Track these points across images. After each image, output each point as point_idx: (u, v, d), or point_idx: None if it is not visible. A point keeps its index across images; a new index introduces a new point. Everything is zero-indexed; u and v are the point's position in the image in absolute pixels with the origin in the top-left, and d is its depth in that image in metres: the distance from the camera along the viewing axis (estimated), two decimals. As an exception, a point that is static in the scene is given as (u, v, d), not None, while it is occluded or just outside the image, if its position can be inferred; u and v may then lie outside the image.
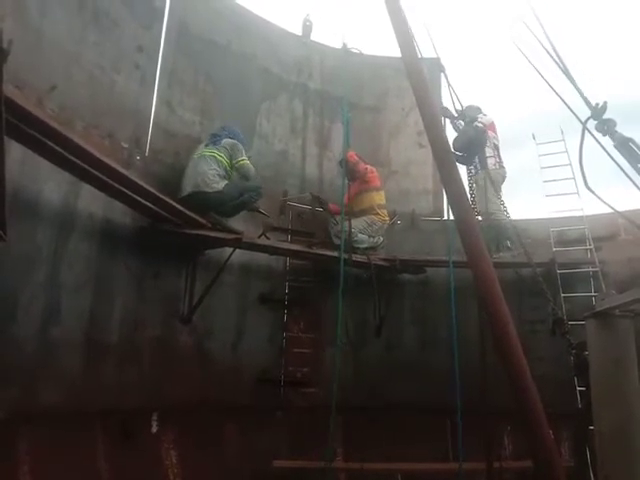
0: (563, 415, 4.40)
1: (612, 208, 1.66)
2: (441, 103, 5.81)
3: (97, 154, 3.63)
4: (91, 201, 4.34)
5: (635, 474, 1.83)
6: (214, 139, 5.29)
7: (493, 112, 7.02)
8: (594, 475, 2.05)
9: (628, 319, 1.89)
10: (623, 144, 1.53)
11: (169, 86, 5.49)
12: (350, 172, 6.15)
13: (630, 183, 1.68)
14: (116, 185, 4.05)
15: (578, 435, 2.27)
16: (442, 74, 4.55)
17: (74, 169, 3.78)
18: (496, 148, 6.63)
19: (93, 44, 4.64)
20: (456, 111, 3.69)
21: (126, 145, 4.90)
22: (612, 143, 1.58)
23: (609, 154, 1.57)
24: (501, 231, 6.21)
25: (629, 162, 1.50)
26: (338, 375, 3.91)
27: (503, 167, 6.68)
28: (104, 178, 3.91)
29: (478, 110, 6.82)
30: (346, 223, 5.82)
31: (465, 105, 6.76)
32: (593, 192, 1.65)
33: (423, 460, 5.44)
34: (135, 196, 4.26)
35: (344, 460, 5.83)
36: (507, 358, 2.50)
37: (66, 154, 3.54)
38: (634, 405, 1.88)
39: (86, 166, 3.73)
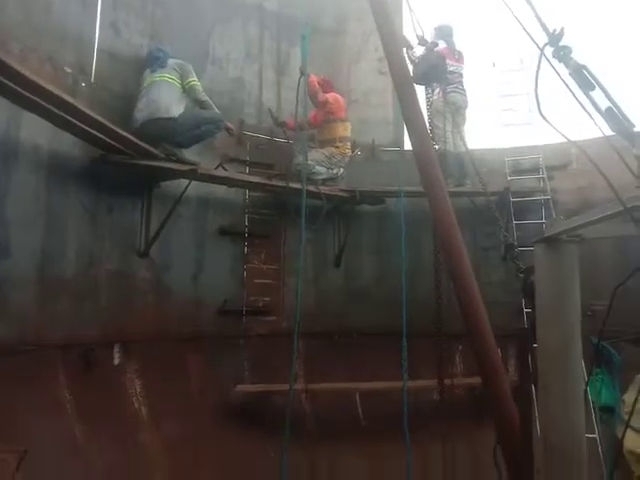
0: (511, 335, 4.70)
1: (564, 136, 1.69)
2: (402, 29, 5.65)
3: (36, 79, 3.39)
4: (36, 131, 4.13)
5: (569, 384, 1.98)
6: (158, 62, 5.00)
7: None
8: (534, 387, 2.21)
9: (574, 244, 1.97)
10: (577, 71, 1.53)
11: (114, 6, 5.10)
12: (311, 99, 5.96)
13: (582, 111, 1.71)
14: (61, 114, 3.83)
15: (522, 353, 2.42)
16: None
17: (12, 95, 3.53)
18: (454, 74, 6.51)
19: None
20: (417, 37, 3.58)
21: (70, 70, 4.60)
22: (567, 71, 1.59)
23: (563, 80, 1.58)
24: (460, 160, 6.25)
25: (581, 89, 1.52)
26: (300, 302, 3.98)
27: (461, 94, 6.60)
28: (47, 106, 3.69)
29: (449, 29, 6.66)
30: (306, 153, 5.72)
31: (438, 25, 6.66)
32: (546, 119, 1.66)
33: (381, 380, 5.74)
34: (83, 125, 4.05)
35: (305, 382, 6.08)
36: (458, 281, 2.60)
37: (2, 79, 3.29)
38: (574, 324, 2.00)
39: (26, 92, 3.49)
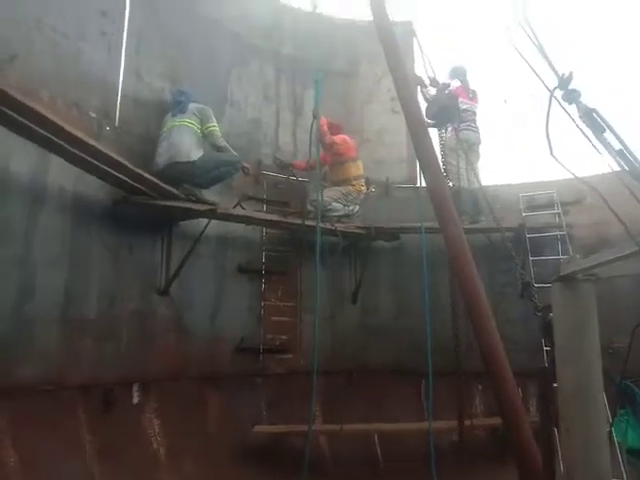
0: (531, 375, 4.61)
1: (574, 175, 1.72)
2: (414, 69, 5.80)
3: (64, 125, 3.55)
4: (61, 174, 4.27)
5: (591, 425, 1.95)
6: (180, 106, 5.15)
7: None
8: (557, 429, 2.17)
9: (590, 283, 1.97)
10: (587, 114, 1.58)
11: (137, 53, 5.33)
12: (320, 141, 6.09)
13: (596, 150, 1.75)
14: (86, 157, 3.98)
15: (543, 392, 2.39)
16: (415, 38, 4.52)
17: (41, 141, 3.70)
18: (467, 112, 6.63)
19: (54, 10, 4.46)
20: (428, 78, 3.68)
21: (95, 115, 4.79)
22: (578, 114, 1.63)
23: (576, 123, 1.63)
24: (474, 197, 6.29)
25: (592, 132, 1.56)
26: (318, 340, 3.98)
27: (474, 131, 6.71)
28: (73, 150, 3.84)
29: (463, 70, 6.83)
30: (321, 192, 5.82)
31: (452, 66, 6.84)
32: (557, 160, 1.70)
33: (400, 420, 5.64)
34: (106, 168, 4.19)
35: (323, 423, 6.00)
36: (476, 320, 2.60)
37: (32, 125, 3.45)
38: (593, 364, 1.99)
39: (54, 138, 3.65)
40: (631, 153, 1.49)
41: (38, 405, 3.84)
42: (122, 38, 5.15)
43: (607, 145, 1.56)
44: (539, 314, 2.31)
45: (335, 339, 6.29)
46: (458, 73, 6.82)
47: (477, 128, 6.77)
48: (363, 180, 6.48)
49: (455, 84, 6.70)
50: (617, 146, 1.50)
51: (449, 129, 5.99)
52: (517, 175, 6.87)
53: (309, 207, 6.16)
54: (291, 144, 6.86)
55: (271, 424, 5.60)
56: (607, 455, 2.07)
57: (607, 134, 1.54)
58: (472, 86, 6.92)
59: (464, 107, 6.65)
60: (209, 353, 5.50)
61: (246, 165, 5.54)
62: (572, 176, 1.92)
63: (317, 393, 6.02)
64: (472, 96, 6.84)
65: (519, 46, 2.34)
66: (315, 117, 4.73)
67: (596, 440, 2.03)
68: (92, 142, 3.88)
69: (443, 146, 3.87)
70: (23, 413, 3.73)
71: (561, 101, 1.72)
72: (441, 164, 3.53)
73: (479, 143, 6.80)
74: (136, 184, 4.52)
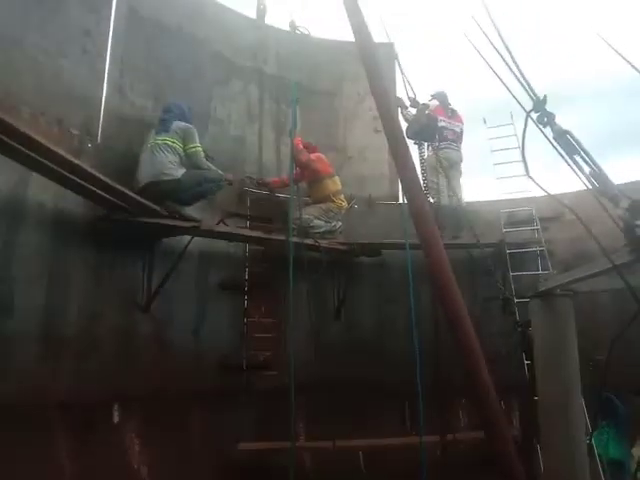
0: (514, 387, 4.66)
1: (550, 195, 1.78)
2: (395, 90, 5.92)
3: (45, 142, 3.52)
4: (42, 191, 4.24)
5: (571, 438, 1.99)
6: (163, 125, 5.14)
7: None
8: (538, 441, 2.20)
9: (568, 298, 2.02)
10: (561, 136, 1.63)
11: (120, 71, 5.35)
12: (295, 159, 6.08)
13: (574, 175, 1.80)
14: (67, 174, 3.95)
15: (524, 406, 2.42)
16: (396, 60, 4.61)
17: (21, 158, 3.66)
18: (442, 132, 6.77)
19: (36, 28, 4.46)
20: (409, 98, 3.76)
21: (76, 132, 4.77)
22: (552, 135, 1.69)
23: (552, 143, 1.68)
24: (455, 213, 6.39)
25: (566, 153, 1.61)
26: (293, 358, 4.01)
27: (454, 150, 6.86)
28: (54, 167, 3.81)
29: (444, 94, 7.01)
30: (302, 209, 5.86)
31: (435, 91, 7.03)
32: (534, 180, 1.76)
33: (383, 436, 5.63)
34: (88, 185, 4.16)
35: (308, 439, 5.96)
36: (458, 335, 2.62)
37: (12, 142, 3.42)
38: (572, 376, 2.03)
39: (34, 155, 3.62)
40: (603, 174, 1.55)
41: (15, 424, 3.75)
42: (105, 56, 5.17)
43: (580, 168, 1.62)
44: (519, 329, 2.36)
45: (319, 355, 6.27)
46: (437, 94, 7.01)
47: (458, 147, 6.93)
48: (342, 195, 6.53)
49: (434, 104, 6.87)
50: (589, 168, 1.56)
51: (429, 147, 6.12)
52: (498, 193, 6.95)
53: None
54: (274, 161, 6.91)
55: (256, 441, 5.54)
56: (586, 467, 2.10)
57: (579, 157, 1.60)
58: (452, 106, 7.10)
59: (443, 125, 6.81)
60: (191, 370, 5.43)
61: (229, 177, 5.56)
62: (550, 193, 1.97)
63: (301, 409, 6.04)
64: (451, 115, 7.01)
65: (497, 70, 2.41)
66: (290, 136, 4.78)
67: (576, 452, 2.06)
68: (73, 159, 3.85)
69: (423, 164, 3.94)
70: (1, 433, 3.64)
71: (537, 122, 1.77)
72: (422, 181, 3.59)
73: (460, 161, 6.95)
74: (118, 201, 4.50)
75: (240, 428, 5.66)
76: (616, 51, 2.21)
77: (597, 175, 1.55)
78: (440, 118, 6.84)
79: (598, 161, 1.55)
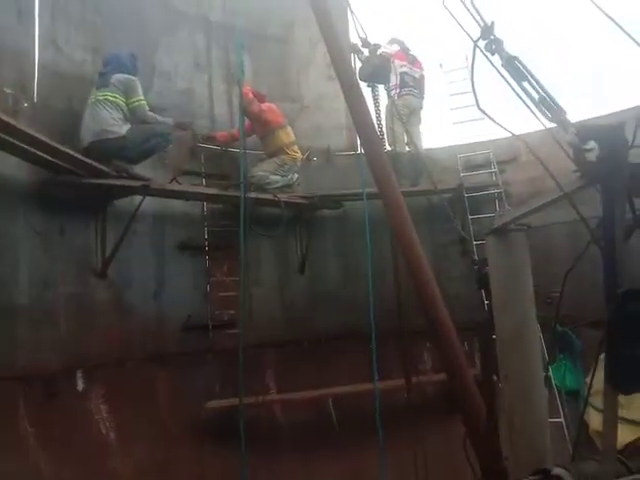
0: (473, 329, 4.77)
1: (504, 128, 1.73)
2: (348, 35, 5.71)
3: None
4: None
5: (529, 370, 2.02)
6: (103, 78, 4.83)
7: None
8: (497, 377, 2.24)
9: (522, 232, 2.02)
10: (510, 62, 1.58)
11: (52, 21, 4.96)
12: (245, 112, 5.70)
13: (522, 104, 1.76)
14: (4, 136, 3.70)
15: (483, 344, 2.46)
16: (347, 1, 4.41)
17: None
18: (403, 78, 6.65)
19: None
20: (360, 39, 3.63)
21: (10, 91, 4.43)
22: (501, 63, 1.64)
23: (498, 71, 1.63)
24: (414, 160, 6.35)
25: (514, 79, 1.56)
26: (244, 315, 4.07)
27: (415, 97, 6.75)
28: (-13, 129, 3.56)
29: (401, 40, 6.85)
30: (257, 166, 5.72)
31: (390, 38, 6.83)
32: (484, 112, 1.70)
33: (352, 383, 5.74)
34: (27, 147, 3.92)
35: (278, 392, 6.03)
36: (417, 279, 2.63)
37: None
38: (528, 310, 2.05)
39: (-37, 116, 3.36)
40: (552, 99, 1.51)
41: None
42: (34, 5, 4.77)
43: (528, 94, 1.57)
44: (476, 267, 2.36)
45: (284, 309, 6.29)
46: (396, 39, 6.84)
47: (419, 93, 6.82)
48: (296, 146, 6.35)
49: (394, 48, 6.70)
50: (538, 94, 1.51)
51: (392, 92, 5.99)
52: (455, 138, 6.95)
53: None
54: (227, 114, 6.63)
55: (224, 399, 5.56)
56: (544, 397, 2.16)
57: (528, 82, 1.55)
58: (412, 52, 6.95)
59: (404, 70, 6.68)
60: (154, 333, 5.36)
61: (182, 124, 5.36)
62: (507, 135, 1.93)
63: (270, 364, 6.09)
64: (413, 60, 6.86)
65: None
66: (238, 84, 4.55)
67: (533, 383, 2.11)
68: (8, 119, 3.61)
69: (378, 109, 3.84)
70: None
71: (484, 51, 1.71)
72: (377, 128, 3.51)
73: (420, 108, 6.86)
74: (62, 163, 4.26)
75: (207, 388, 5.66)
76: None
77: (545, 102, 1.51)
78: (402, 63, 6.70)
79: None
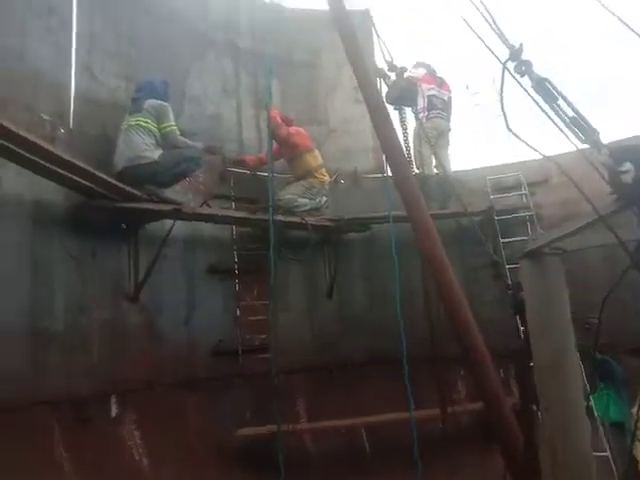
0: (509, 355, 4.61)
1: (535, 149, 1.69)
2: (374, 58, 5.76)
3: (15, 128, 3.38)
4: (17, 181, 4.10)
5: (569, 400, 1.93)
6: (136, 104, 4.96)
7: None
8: (537, 407, 2.15)
9: (557, 256, 1.95)
10: (540, 84, 1.54)
11: (88, 51, 5.14)
12: (272, 136, 5.81)
13: (553, 125, 1.71)
14: (42, 161, 3.82)
15: (520, 371, 2.37)
16: (372, 27, 4.46)
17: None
18: (431, 101, 6.65)
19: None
20: (387, 63, 3.64)
21: (47, 118, 4.59)
22: (531, 85, 1.60)
23: (528, 93, 1.59)
24: (442, 183, 6.30)
25: (545, 101, 1.52)
26: (275, 341, 3.93)
27: (443, 119, 6.73)
28: (27, 154, 3.68)
29: (427, 63, 6.88)
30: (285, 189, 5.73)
31: (415, 62, 6.88)
32: (515, 134, 1.66)
33: (384, 411, 5.60)
34: (63, 172, 4.03)
35: (308, 420, 5.93)
36: (448, 303, 2.56)
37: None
38: (566, 337, 1.97)
39: (6, 143, 3.48)
40: (584, 120, 1.46)
41: (7, 424, 3.66)
42: (71, 35, 4.95)
43: (560, 115, 1.53)
44: (510, 292, 2.29)
45: (313, 334, 6.24)
46: (423, 63, 6.87)
47: (447, 115, 6.80)
48: (324, 170, 6.38)
49: (420, 72, 6.72)
50: (570, 114, 1.47)
51: (420, 115, 6.00)
52: (484, 159, 6.88)
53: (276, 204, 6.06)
54: (255, 139, 6.73)
55: (254, 426, 5.50)
56: (587, 429, 2.05)
57: (560, 102, 1.51)
58: (439, 74, 6.97)
59: (431, 93, 6.68)
60: (185, 358, 5.36)
61: (212, 145, 5.46)
62: (537, 157, 1.89)
63: (300, 390, 6.01)
64: (440, 83, 6.87)
65: (471, 22, 2.30)
66: (267, 108, 4.61)
67: (575, 415, 2.00)
68: (45, 145, 3.73)
69: (406, 132, 3.83)
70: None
71: (514, 73, 1.68)
72: (405, 151, 3.49)
73: (449, 130, 6.83)
74: (96, 187, 4.36)
75: (237, 413, 5.61)
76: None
77: (578, 123, 1.46)
78: (429, 86, 6.71)
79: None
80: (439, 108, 6.68)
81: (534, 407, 2.25)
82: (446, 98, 6.85)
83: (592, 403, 4.05)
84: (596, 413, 4.32)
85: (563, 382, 2.01)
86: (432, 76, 6.85)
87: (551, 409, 2.01)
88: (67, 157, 3.90)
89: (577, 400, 2.06)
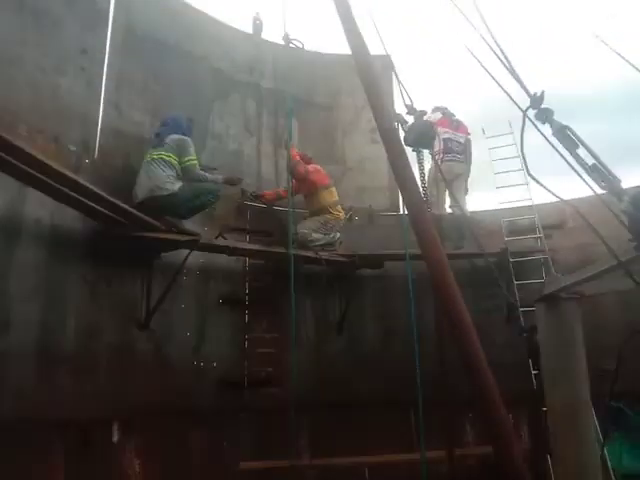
0: (521, 399, 4.54)
1: (554, 194, 1.72)
2: (393, 102, 5.91)
3: (42, 157, 3.51)
4: (39, 207, 4.21)
5: (583, 448, 1.90)
6: (159, 138, 5.12)
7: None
8: (550, 454, 2.11)
9: (574, 301, 1.95)
10: (560, 131, 1.59)
11: (117, 88, 5.35)
12: (290, 172, 6.06)
13: (572, 170, 1.75)
14: (64, 189, 3.93)
15: (533, 417, 2.34)
16: (393, 71, 4.60)
17: (18, 174, 3.65)
18: (447, 144, 6.77)
19: (34, 46, 4.48)
20: (406, 106, 3.74)
21: (74, 148, 4.75)
22: (551, 132, 1.65)
23: (548, 140, 1.63)
24: (457, 224, 6.34)
25: (566, 148, 1.56)
26: (296, 374, 3.90)
27: (458, 162, 6.83)
28: (51, 182, 3.79)
29: (445, 107, 7.03)
30: (300, 223, 5.83)
31: (433, 107, 7.06)
32: (535, 179, 1.70)
33: (389, 451, 5.51)
34: (85, 200, 4.14)
35: (311, 456, 5.83)
36: (462, 345, 2.54)
37: (9, 159, 3.40)
38: (582, 384, 1.95)
39: (31, 170, 3.60)
40: (605, 167, 1.50)
41: (11, 442, 3.67)
42: (102, 73, 5.17)
43: (582, 162, 1.56)
44: (525, 335, 2.28)
45: (322, 370, 6.18)
46: (440, 107, 7.03)
47: (463, 158, 6.90)
48: (339, 206, 6.49)
49: (436, 116, 6.87)
50: (590, 161, 1.51)
51: (437, 157, 6.11)
52: (499, 201, 6.90)
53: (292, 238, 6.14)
54: (273, 174, 6.89)
55: (257, 460, 5.42)
56: (599, 478, 2.02)
57: (580, 150, 1.55)
58: (456, 117, 7.11)
59: (447, 137, 6.81)
60: (192, 387, 5.34)
61: (233, 177, 5.60)
62: (552, 200, 1.92)
63: (304, 427, 5.93)
64: (456, 126, 7.00)
65: (491, 70, 2.38)
66: (286, 148, 4.74)
67: (588, 465, 1.97)
68: (70, 174, 3.84)
69: (423, 173, 3.91)
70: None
71: (534, 120, 1.73)
72: (422, 191, 3.55)
73: (464, 173, 6.92)
74: (116, 216, 4.47)
75: (241, 446, 5.54)
76: (614, 51, 2.17)
77: (599, 170, 1.50)
78: (445, 130, 6.85)
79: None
80: (455, 151, 6.80)
81: (545, 455, 2.22)
82: (463, 140, 6.97)
83: (606, 453, 3.95)
84: (609, 463, 4.21)
85: (577, 430, 1.99)
86: (448, 119, 7.00)
87: (564, 458, 1.98)
88: (90, 186, 4.01)
89: (591, 448, 2.04)
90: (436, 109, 7.04)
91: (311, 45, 7.56)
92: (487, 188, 7.68)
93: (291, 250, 4.20)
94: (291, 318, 6.02)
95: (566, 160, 1.57)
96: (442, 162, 6.61)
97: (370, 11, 4.32)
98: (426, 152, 4.03)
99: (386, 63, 5.14)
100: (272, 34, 7.41)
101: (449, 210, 6.52)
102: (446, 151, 6.71)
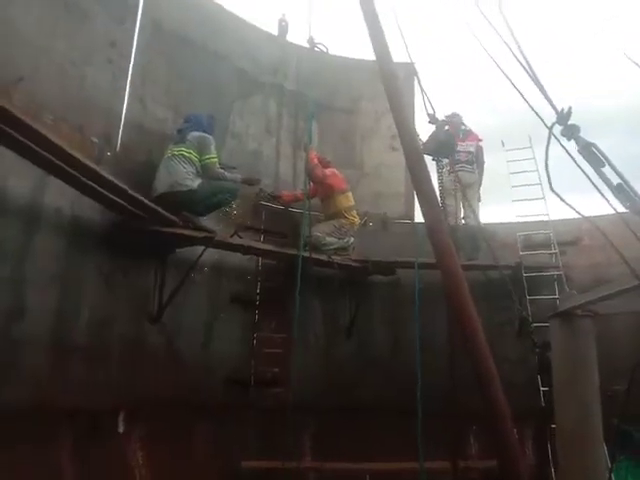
0: (527, 415, 4.51)
1: (576, 211, 1.72)
2: (414, 110, 5.93)
3: (66, 147, 3.56)
4: (59, 196, 4.25)
5: (590, 470, 1.89)
6: (181, 135, 5.17)
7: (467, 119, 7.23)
8: (554, 472, 2.10)
9: (589, 319, 1.95)
10: (586, 148, 1.59)
11: (142, 82, 5.42)
12: (308, 175, 6.07)
13: (593, 188, 1.75)
14: (85, 180, 3.98)
15: (540, 433, 2.32)
16: (415, 79, 4.61)
17: (42, 162, 3.70)
18: (460, 153, 6.75)
19: (64, 37, 4.55)
20: (428, 115, 3.74)
21: (96, 140, 4.81)
22: (576, 148, 1.65)
23: (573, 158, 1.63)
24: (472, 235, 6.32)
25: (591, 166, 1.56)
26: (294, 375, 4.00)
27: (467, 172, 6.81)
28: (73, 172, 3.84)
29: (458, 116, 7.01)
30: (314, 226, 5.85)
31: (450, 113, 7.04)
32: (558, 194, 1.70)
33: (393, 460, 5.48)
34: (105, 192, 4.19)
35: (313, 458, 5.83)
36: (475, 358, 2.54)
37: (33, 146, 3.46)
38: (592, 403, 1.94)
39: (54, 159, 3.65)
40: (631, 187, 1.49)
41: (24, 429, 3.72)
42: (128, 68, 5.24)
43: (607, 180, 1.56)
44: (537, 350, 2.27)
45: (329, 373, 6.19)
46: (449, 118, 7.01)
47: (472, 168, 6.87)
48: (355, 211, 6.50)
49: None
50: (616, 181, 1.51)
51: (446, 169, 6.09)
52: (515, 215, 6.86)
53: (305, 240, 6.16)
54: (291, 175, 6.94)
55: (260, 459, 5.43)
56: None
57: (606, 169, 1.55)
58: (465, 127, 7.07)
59: (460, 148, 6.78)
60: (199, 382, 5.38)
61: (252, 177, 5.65)
62: (569, 217, 1.92)
63: (308, 429, 5.94)
64: (463, 136, 6.98)
65: (518, 84, 2.38)
66: (305, 150, 4.76)
67: (595, 484, 1.96)
68: (92, 165, 3.89)
69: (442, 182, 3.90)
70: (6, 437, 3.61)
71: (560, 137, 1.73)
72: (440, 201, 3.55)
73: (474, 182, 6.89)
74: (135, 209, 4.51)
75: (245, 445, 5.57)
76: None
77: (624, 190, 1.50)
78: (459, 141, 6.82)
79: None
80: (462, 162, 6.77)
81: (551, 473, 2.21)
82: (472, 149, 6.93)
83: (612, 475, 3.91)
84: (615, 485, 4.16)
85: (585, 449, 1.98)
86: (455, 129, 6.92)
87: (571, 474, 1.97)
88: (111, 178, 4.06)
89: (598, 468, 2.02)
90: (447, 117, 7.00)
91: (334, 49, 7.59)
92: (501, 200, 7.65)
93: (301, 252, 4.21)
94: (301, 319, 6.07)
95: (590, 179, 1.57)
96: (450, 173, 6.60)
97: (396, 18, 4.33)
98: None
99: (409, 71, 5.16)
100: (297, 36, 7.47)
101: (463, 221, 6.50)
102: (454, 162, 6.69)
